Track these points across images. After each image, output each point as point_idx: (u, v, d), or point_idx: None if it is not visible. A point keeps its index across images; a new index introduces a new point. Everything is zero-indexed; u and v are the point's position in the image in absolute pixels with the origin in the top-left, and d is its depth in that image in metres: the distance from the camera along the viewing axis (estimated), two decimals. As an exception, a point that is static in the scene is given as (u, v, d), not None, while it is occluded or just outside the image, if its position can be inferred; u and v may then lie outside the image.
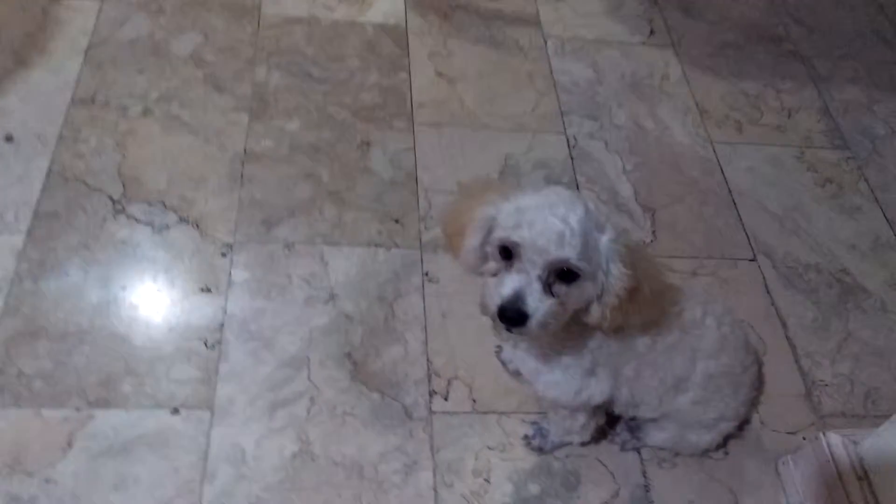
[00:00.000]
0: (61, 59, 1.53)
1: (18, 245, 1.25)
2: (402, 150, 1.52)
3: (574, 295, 0.85)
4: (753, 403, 1.22)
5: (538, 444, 1.15)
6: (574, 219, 0.81)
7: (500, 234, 0.85)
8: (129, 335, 1.18)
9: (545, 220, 0.81)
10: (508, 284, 0.83)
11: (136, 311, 1.21)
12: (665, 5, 1.95)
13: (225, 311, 1.23)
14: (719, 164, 1.62)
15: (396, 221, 1.41)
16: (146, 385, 1.13)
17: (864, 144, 1.74)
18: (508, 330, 0.85)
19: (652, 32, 1.87)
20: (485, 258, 0.89)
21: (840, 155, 1.70)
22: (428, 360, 1.23)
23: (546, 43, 1.80)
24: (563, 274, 0.83)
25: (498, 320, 0.84)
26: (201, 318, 1.21)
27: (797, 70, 1.86)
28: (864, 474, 1.05)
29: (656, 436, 1.14)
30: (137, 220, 1.32)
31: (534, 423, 1.17)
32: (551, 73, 1.73)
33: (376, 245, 1.36)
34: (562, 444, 1.15)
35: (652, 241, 1.46)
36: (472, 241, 0.88)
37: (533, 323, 0.83)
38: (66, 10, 1.61)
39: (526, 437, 1.16)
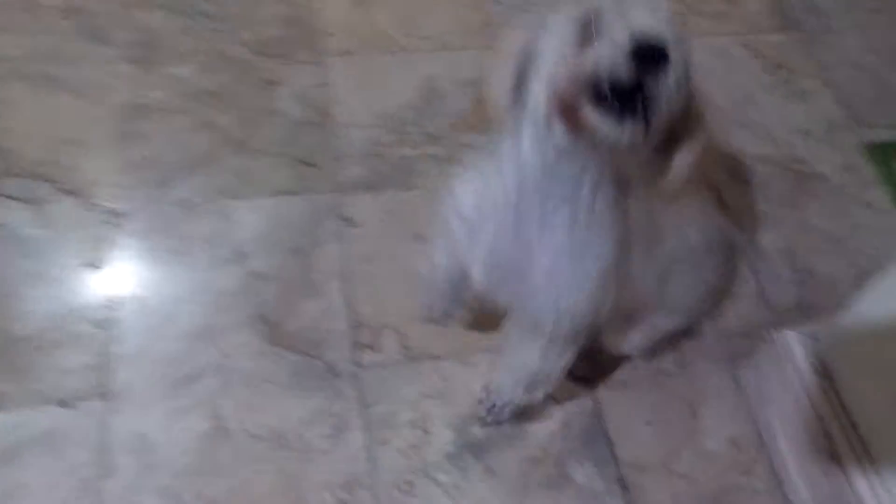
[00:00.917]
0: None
1: None
2: (311, 85, 1.36)
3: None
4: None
5: (495, 416, 0.99)
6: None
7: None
8: (6, 327, 1.03)
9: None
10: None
11: (14, 299, 1.06)
12: None
13: (117, 287, 1.08)
14: (665, 62, 1.47)
15: (309, 164, 1.26)
16: (29, 380, 0.99)
17: (813, 22, 1.60)
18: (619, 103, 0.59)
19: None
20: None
21: (788, 37, 1.56)
22: (353, 311, 1.10)
23: (467, -49, 1.61)
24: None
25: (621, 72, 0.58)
26: (90, 297, 1.07)
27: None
28: (824, 372, 0.95)
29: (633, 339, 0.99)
30: (11, 198, 1.16)
31: (482, 400, 1.00)
32: (475, -17, 1.56)
33: (287, 193, 1.22)
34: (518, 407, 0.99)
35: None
36: (503, 77, 0.67)
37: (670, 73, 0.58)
38: (-84, -28, 1.42)
39: (481, 418, 1.00)
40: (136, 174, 1.21)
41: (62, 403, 0.97)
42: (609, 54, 0.59)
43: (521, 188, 0.72)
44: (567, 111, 0.63)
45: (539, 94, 0.65)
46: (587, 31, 0.62)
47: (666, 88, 0.59)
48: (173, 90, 1.32)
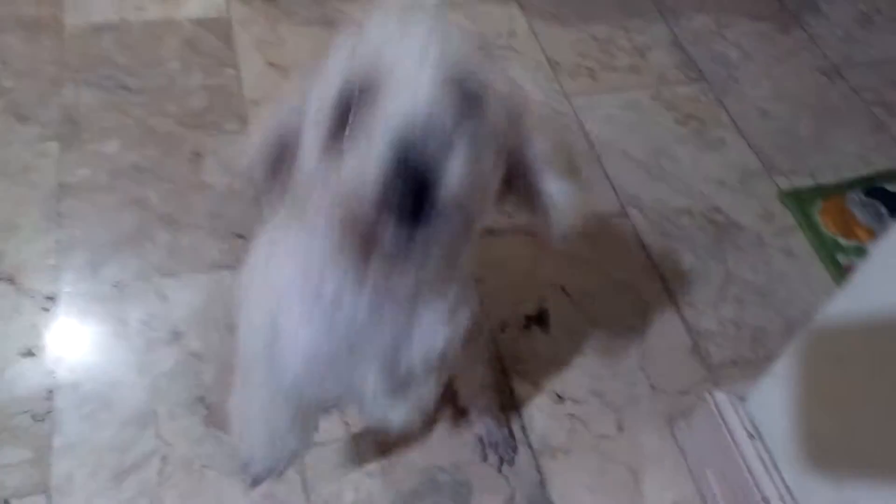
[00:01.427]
0: None
1: None
2: (236, 155, 1.39)
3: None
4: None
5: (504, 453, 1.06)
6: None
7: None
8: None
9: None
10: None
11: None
12: (505, -45, 1.86)
13: (53, 375, 1.10)
14: (577, 118, 1.56)
15: (241, 237, 1.29)
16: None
17: (720, 73, 1.72)
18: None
19: (494, -13, 1.78)
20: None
21: (697, 88, 1.68)
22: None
23: (384, 13, 1.68)
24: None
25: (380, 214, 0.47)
26: (26, 388, 1.08)
27: (644, 6, 1.82)
28: (755, 431, 1.02)
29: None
30: None
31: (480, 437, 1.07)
32: (394, 45, 1.63)
33: (222, 267, 1.25)
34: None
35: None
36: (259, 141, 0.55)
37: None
38: None
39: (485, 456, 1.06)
40: (67, 255, 1.22)
41: (4, 503, 0.98)
42: (364, 172, 0.47)
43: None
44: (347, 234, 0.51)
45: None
46: (346, 116, 0.49)
47: (455, 173, 0.47)
48: (100, 167, 1.34)
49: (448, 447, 1.10)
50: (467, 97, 0.50)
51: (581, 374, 1.20)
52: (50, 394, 1.08)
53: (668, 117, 1.60)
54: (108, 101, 1.43)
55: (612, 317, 1.28)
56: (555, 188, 0.60)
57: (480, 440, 1.09)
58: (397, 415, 0.74)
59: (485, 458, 1.08)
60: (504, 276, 1.30)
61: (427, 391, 0.74)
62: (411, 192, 0.46)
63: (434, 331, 0.68)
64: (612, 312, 1.28)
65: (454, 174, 0.47)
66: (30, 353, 1.12)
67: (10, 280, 1.18)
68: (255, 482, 0.95)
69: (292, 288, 0.65)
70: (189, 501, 1.01)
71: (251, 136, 0.58)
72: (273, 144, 0.57)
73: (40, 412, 1.06)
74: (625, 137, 1.55)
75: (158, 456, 1.04)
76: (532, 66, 1.63)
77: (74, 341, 1.14)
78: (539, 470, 1.11)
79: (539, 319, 1.26)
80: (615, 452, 1.13)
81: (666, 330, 1.28)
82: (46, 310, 1.16)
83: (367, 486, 1.06)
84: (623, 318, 1.28)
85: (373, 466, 1.08)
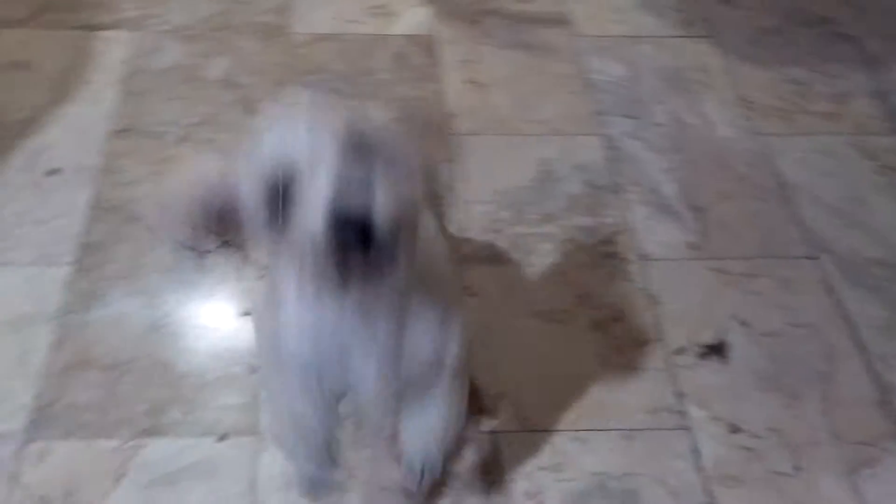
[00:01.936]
0: (99, 91, 1.55)
1: (66, 277, 1.27)
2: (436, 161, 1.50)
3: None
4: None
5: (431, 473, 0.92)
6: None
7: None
8: (173, 363, 1.18)
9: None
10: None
11: (180, 338, 1.22)
12: (700, -6, 1.89)
13: (267, 335, 1.22)
14: (769, 158, 1.55)
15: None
16: (193, 413, 1.13)
17: (924, 126, 1.65)
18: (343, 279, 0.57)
19: (686, 23, 1.81)
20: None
21: (899, 139, 1.62)
22: (471, 377, 1.20)
23: (577, 42, 1.76)
24: None
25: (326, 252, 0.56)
26: (243, 342, 1.21)
27: (846, 52, 1.78)
28: None
29: None
30: (185, 246, 1.33)
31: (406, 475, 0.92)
32: (585, 72, 1.69)
33: (415, 260, 1.34)
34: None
35: (703, 242, 1.40)
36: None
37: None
38: (102, 42, 1.64)
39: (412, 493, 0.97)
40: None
41: (220, 437, 1.11)
42: (313, 235, 0.56)
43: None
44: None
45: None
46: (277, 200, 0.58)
47: (384, 204, 0.56)
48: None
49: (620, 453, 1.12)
50: (368, 149, 0.59)
51: (759, 410, 1.19)
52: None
53: (866, 166, 1.56)
54: (326, 101, 1.58)
55: (794, 358, 1.26)
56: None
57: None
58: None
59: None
60: (682, 301, 1.32)
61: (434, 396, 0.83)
62: (358, 235, 0.56)
63: (425, 337, 0.76)
64: (795, 354, 1.26)
65: (383, 205, 0.56)
66: (248, 314, 1.25)
67: (235, 248, 1.33)
68: (314, 487, 0.96)
69: (290, 301, 0.74)
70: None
71: (175, 186, 0.66)
72: (200, 204, 0.65)
73: (254, 365, 1.19)
74: (818, 181, 1.52)
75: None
76: (724, 102, 1.64)
77: (285, 308, 1.26)
78: (710, 494, 1.10)
79: (717, 349, 1.26)
80: (791, 491, 1.11)
81: (852, 379, 1.24)
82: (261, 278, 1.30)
83: (537, 478, 1.10)
84: (806, 361, 1.25)
85: (544, 461, 1.11)
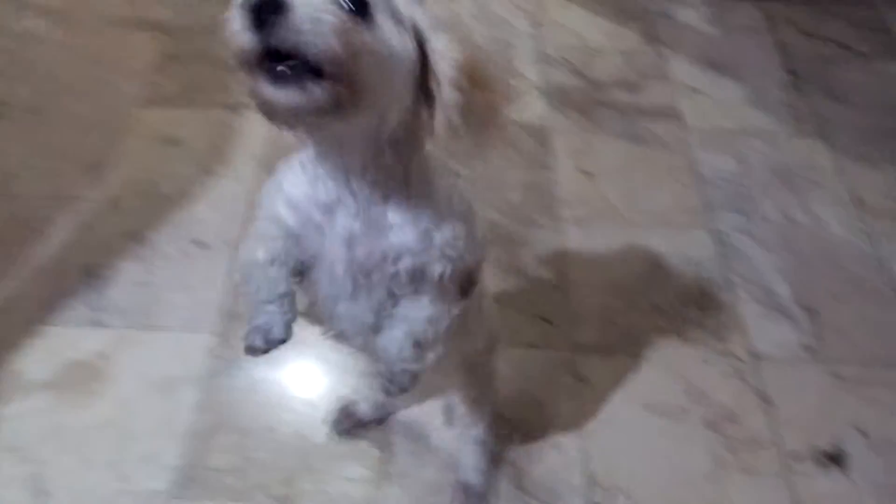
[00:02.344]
0: (241, 168, 1.70)
1: (210, 343, 1.38)
2: (550, 248, 1.57)
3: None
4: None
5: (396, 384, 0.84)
6: None
7: None
8: (305, 434, 1.27)
9: None
10: None
11: (313, 408, 1.30)
12: (809, 91, 1.92)
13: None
14: (884, 261, 1.55)
15: (548, 321, 1.45)
16: (322, 483, 1.21)
17: None
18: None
19: (797, 120, 1.84)
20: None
21: None
22: (587, 468, 1.24)
23: (687, 136, 1.81)
24: None
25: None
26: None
27: (962, 154, 1.77)
28: None
29: None
30: (308, 323, 1.43)
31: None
32: (695, 166, 1.75)
33: (530, 346, 1.41)
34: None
35: (817, 344, 1.41)
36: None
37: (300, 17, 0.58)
38: (245, 121, 1.79)
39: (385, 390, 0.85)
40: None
41: (348, 509, 1.18)
42: (236, 23, 0.60)
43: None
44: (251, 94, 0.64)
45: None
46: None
47: (301, 31, 0.58)
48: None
49: None
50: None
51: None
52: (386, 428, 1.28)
53: None
54: (446, 185, 1.68)
55: (916, 471, 1.24)
56: (441, 102, 0.65)
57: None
58: (352, 320, 0.83)
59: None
60: (797, 404, 1.32)
61: (378, 300, 0.80)
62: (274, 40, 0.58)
63: (402, 233, 0.75)
64: (917, 467, 1.25)
65: (302, 26, 0.58)
66: (373, 389, 1.33)
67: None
68: (258, 340, 0.87)
69: (284, 170, 0.80)
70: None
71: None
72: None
73: (381, 443, 1.26)
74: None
75: None
76: (835, 201, 1.66)
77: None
78: None
79: (836, 458, 1.25)
80: None
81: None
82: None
83: None
84: (928, 476, 1.24)
85: None
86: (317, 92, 0.61)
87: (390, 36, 0.64)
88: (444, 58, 0.65)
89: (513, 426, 1.29)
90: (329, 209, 0.77)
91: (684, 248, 1.58)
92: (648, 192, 1.69)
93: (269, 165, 1.68)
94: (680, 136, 1.81)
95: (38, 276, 1.46)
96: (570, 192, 1.68)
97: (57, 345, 1.36)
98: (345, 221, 0.76)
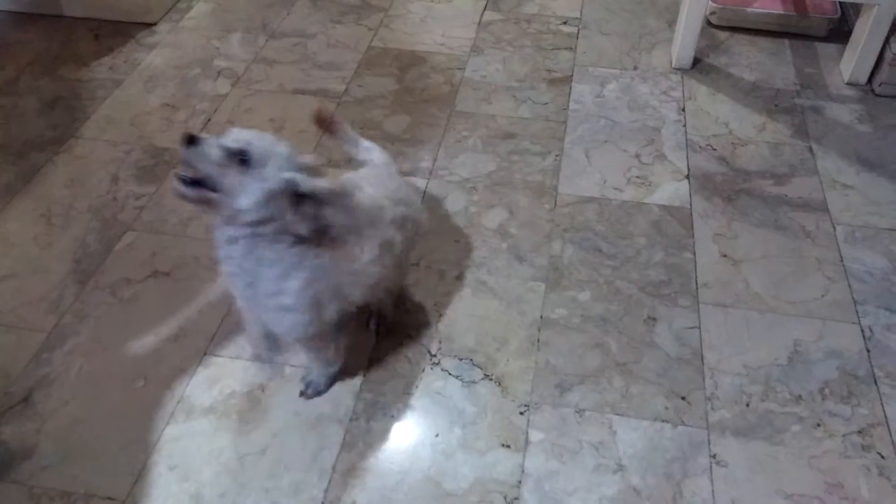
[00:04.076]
0: (394, 227, 1.84)
1: (356, 386, 1.49)
2: (687, 327, 1.59)
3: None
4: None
5: (313, 391, 1.47)
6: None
7: None
8: (440, 480, 1.33)
9: None
10: None
11: (447, 458, 1.37)
12: (971, 193, 1.86)
13: (522, 469, 1.34)
14: None
15: (682, 398, 1.45)
16: (455, 529, 1.26)
17: None
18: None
19: (957, 221, 1.79)
20: None
21: None
22: None
23: (835, 229, 1.80)
24: None
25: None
26: (501, 472, 1.34)
27: None
28: None
29: None
30: (450, 374, 1.51)
31: (302, 378, 1.49)
32: (841, 260, 1.72)
33: (663, 420, 1.42)
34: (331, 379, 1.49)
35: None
36: None
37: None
38: (400, 186, 1.95)
39: (301, 392, 1.47)
40: (542, 375, 1.50)
41: (478, 558, 1.22)
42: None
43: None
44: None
45: None
46: None
47: (204, 160, 1.08)
48: (574, 310, 1.63)
49: None
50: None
51: None
52: (518, 483, 1.32)
53: None
54: (585, 258, 1.75)
55: None
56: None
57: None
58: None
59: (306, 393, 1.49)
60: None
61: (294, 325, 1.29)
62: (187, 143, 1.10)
63: (274, 285, 1.21)
64: None
65: (206, 156, 1.10)
66: (507, 445, 1.38)
67: (498, 382, 1.49)
68: (260, 357, 1.54)
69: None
70: None
71: None
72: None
73: (510, 496, 1.30)
74: None
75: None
76: None
77: (540, 446, 1.38)
78: None
79: None
80: None
81: None
82: (522, 414, 1.44)
83: None
84: None
85: None
86: (195, 193, 1.10)
87: (251, 181, 1.10)
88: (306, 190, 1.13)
89: (643, 497, 1.30)
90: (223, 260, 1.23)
91: (828, 340, 1.55)
92: (792, 281, 1.68)
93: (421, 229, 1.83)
94: (827, 230, 1.79)
95: (208, 311, 1.64)
96: (711, 274, 1.70)
97: (221, 374, 1.51)
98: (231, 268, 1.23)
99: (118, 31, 2.48)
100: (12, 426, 1.40)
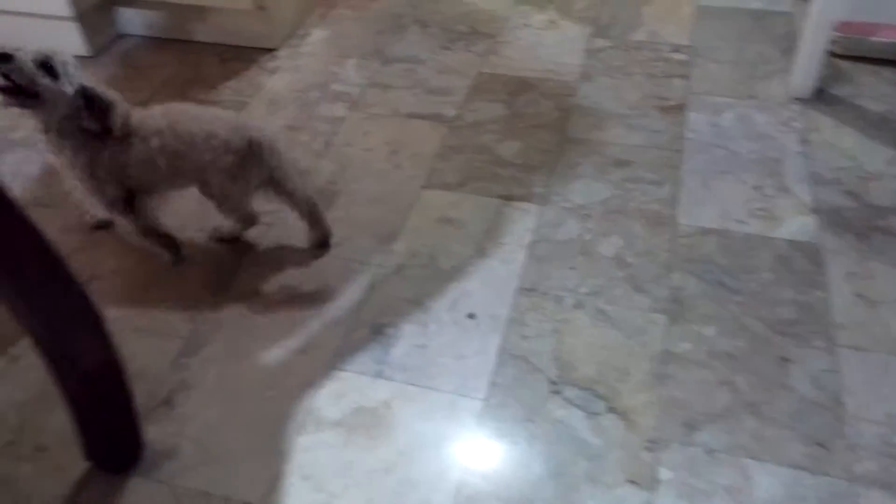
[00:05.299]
0: (510, 252, 1.84)
1: (478, 409, 1.49)
2: (822, 370, 1.52)
3: None
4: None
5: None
6: None
7: None
8: (567, 512, 1.31)
9: None
10: None
11: (572, 489, 1.34)
12: None
13: (652, 507, 1.31)
14: None
15: (821, 446, 1.38)
16: (584, 565, 1.23)
17: None
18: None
19: None
20: None
21: None
22: None
23: (983, 273, 1.69)
24: None
25: None
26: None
27: None
28: None
29: None
30: (571, 403, 1.49)
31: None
32: None
33: (801, 468, 1.35)
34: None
35: None
36: None
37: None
38: (515, 211, 1.96)
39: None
40: (667, 410, 1.46)
41: None
42: None
43: None
44: None
45: None
46: None
47: (20, 73, 1.40)
48: (699, 345, 1.58)
49: None
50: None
51: None
52: (649, 522, 1.28)
53: None
54: (709, 292, 1.70)
55: None
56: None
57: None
58: None
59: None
60: None
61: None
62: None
63: (72, 164, 1.59)
64: None
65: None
66: (633, 482, 1.35)
67: (623, 415, 1.46)
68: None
69: None
70: None
71: None
72: None
73: (640, 535, 1.27)
74: None
75: None
76: None
77: (670, 486, 1.34)
78: None
79: None
80: None
81: None
82: (648, 450, 1.40)
83: None
84: None
85: None
86: (16, 101, 1.45)
87: (59, 85, 1.45)
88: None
89: (783, 549, 1.24)
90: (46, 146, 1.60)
91: (982, 392, 1.45)
92: (935, 326, 1.59)
93: (536, 254, 1.82)
94: (975, 276, 1.69)
95: (334, 326, 1.67)
96: (846, 316, 1.62)
97: (347, 389, 1.54)
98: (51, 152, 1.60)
99: (242, 56, 2.59)
100: (156, 427, 1.46)
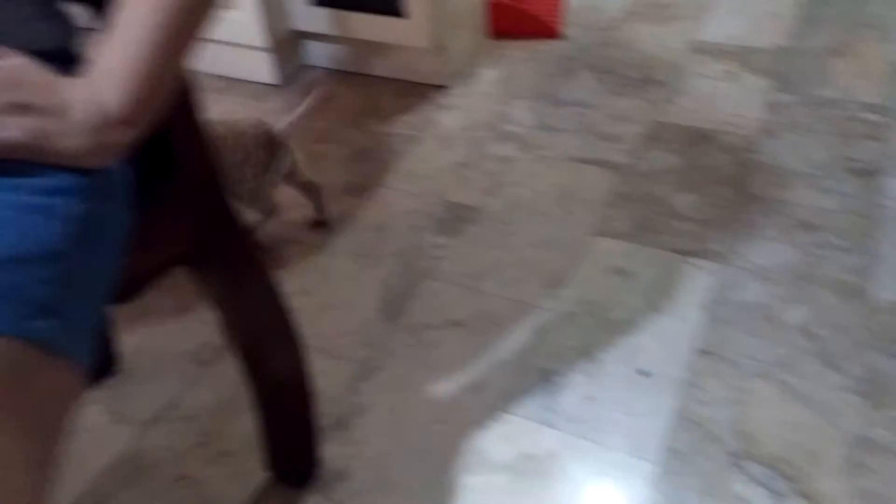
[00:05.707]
0: (685, 309, 1.77)
1: (651, 473, 1.43)
2: None
3: None
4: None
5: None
6: None
7: None
8: None
9: None
10: None
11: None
12: None
13: None
14: None
15: None
16: None
17: None
18: None
19: None
20: None
21: None
22: None
23: None
24: None
25: None
26: None
27: None
28: None
29: None
30: (754, 480, 1.40)
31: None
32: None
33: None
34: None
35: None
36: None
37: None
38: (690, 267, 1.89)
39: None
40: (859, 502, 1.34)
41: None
42: None
43: None
44: None
45: None
46: None
47: None
48: (900, 435, 1.45)
49: None
50: None
51: None
52: None
53: None
54: (912, 377, 1.55)
55: None
56: None
57: None
58: None
59: None
60: None
61: None
62: None
63: None
64: None
65: None
66: None
67: (813, 501, 1.35)
68: None
69: None
70: None
71: None
72: None
73: None
74: None
75: None
76: None
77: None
78: None
79: None
80: None
81: None
82: (843, 544, 1.28)
83: None
84: None
85: None
86: None
87: None
88: None
89: None
90: None
91: None
92: None
93: (714, 315, 1.74)
94: None
95: (501, 367, 1.67)
96: None
97: (514, 433, 1.52)
98: None
99: (416, 92, 2.68)
100: (331, 447, 1.51)
